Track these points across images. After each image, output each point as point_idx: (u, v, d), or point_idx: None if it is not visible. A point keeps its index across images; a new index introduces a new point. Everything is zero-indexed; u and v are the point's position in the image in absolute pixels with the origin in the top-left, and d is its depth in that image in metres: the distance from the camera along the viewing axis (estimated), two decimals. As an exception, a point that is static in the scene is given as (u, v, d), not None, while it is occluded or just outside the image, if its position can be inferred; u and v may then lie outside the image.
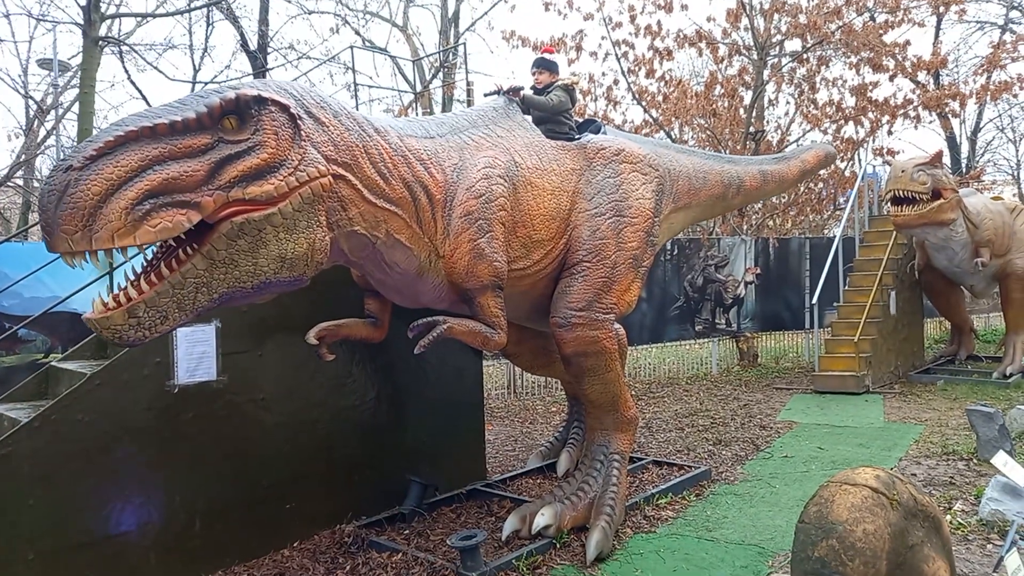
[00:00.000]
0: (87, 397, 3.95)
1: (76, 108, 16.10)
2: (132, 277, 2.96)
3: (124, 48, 14.78)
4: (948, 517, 4.75)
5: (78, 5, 13.69)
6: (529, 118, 5.05)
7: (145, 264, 3.05)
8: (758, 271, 12.84)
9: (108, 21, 14.10)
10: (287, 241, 3.17)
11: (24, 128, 17.18)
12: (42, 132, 17.33)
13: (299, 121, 3.28)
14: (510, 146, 4.62)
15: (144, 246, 2.81)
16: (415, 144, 4.10)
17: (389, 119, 4.36)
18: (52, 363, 4.72)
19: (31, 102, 17.17)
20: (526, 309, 5.04)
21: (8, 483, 3.66)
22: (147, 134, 2.81)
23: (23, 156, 16.57)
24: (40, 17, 15.02)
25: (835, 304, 10.99)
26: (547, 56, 5.28)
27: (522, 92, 5.07)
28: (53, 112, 16.94)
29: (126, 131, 2.77)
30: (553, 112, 5.03)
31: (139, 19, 15.84)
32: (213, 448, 4.42)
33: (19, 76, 17.59)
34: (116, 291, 2.89)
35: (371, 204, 3.66)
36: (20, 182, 16.95)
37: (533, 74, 5.28)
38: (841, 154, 14.86)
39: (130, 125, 2.80)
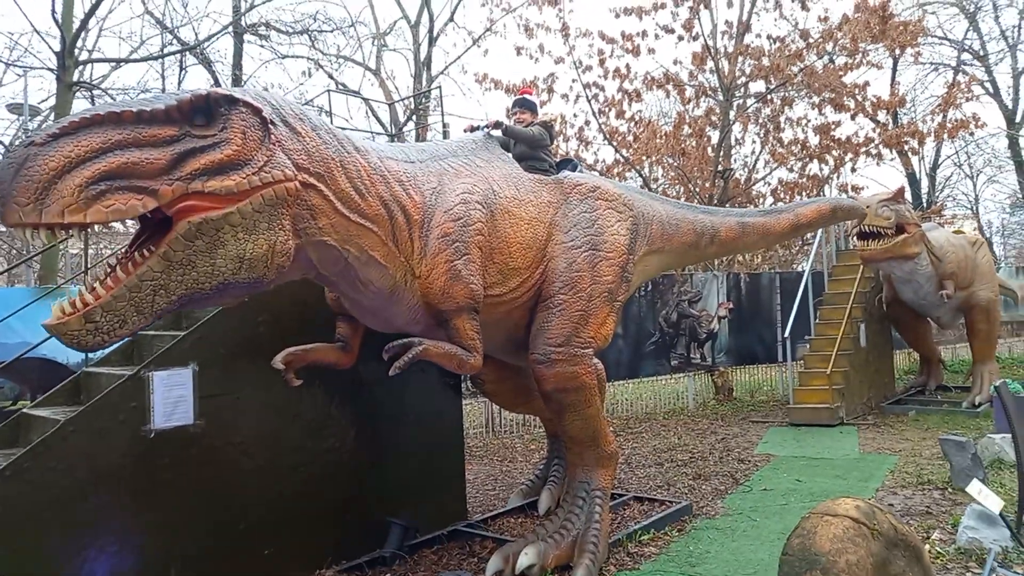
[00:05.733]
0: (61, 444, 3.87)
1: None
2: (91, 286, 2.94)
3: (97, 92, 14.78)
4: (927, 546, 4.80)
5: (51, 50, 13.70)
6: (508, 154, 5.15)
7: (106, 270, 3.04)
8: (730, 306, 13.02)
9: (81, 66, 14.09)
10: (246, 242, 3.17)
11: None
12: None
13: (270, 126, 3.32)
14: (489, 175, 4.71)
15: (93, 225, 2.79)
16: (394, 166, 4.17)
17: (371, 142, 4.43)
18: (23, 410, 4.61)
19: (1, 147, 16.99)
20: (500, 340, 5.05)
21: (-23, 535, 3.56)
22: (112, 119, 2.88)
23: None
24: (12, 63, 14.97)
25: (807, 337, 11.16)
26: (527, 96, 5.46)
27: (504, 124, 5.19)
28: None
29: (92, 115, 2.85)
30: (533, 142, 5.15)
31: (113, 64, 15.87)
32: (190, 494, 4.33)
33: (-12, 120, 17.46)
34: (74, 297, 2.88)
35: (344, 217, 3.69)
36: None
37: (514, 113, 5.45)
38: (807, 191, 15.27)
39: (97, 110, 2.89)
